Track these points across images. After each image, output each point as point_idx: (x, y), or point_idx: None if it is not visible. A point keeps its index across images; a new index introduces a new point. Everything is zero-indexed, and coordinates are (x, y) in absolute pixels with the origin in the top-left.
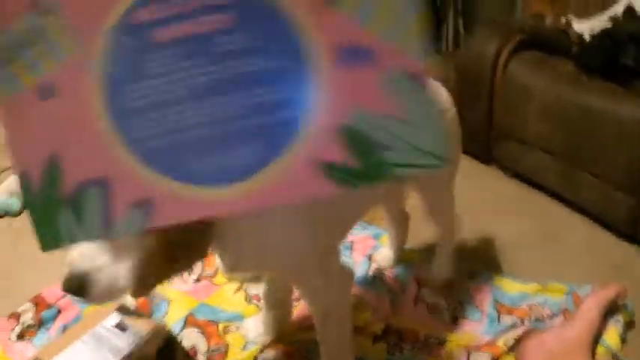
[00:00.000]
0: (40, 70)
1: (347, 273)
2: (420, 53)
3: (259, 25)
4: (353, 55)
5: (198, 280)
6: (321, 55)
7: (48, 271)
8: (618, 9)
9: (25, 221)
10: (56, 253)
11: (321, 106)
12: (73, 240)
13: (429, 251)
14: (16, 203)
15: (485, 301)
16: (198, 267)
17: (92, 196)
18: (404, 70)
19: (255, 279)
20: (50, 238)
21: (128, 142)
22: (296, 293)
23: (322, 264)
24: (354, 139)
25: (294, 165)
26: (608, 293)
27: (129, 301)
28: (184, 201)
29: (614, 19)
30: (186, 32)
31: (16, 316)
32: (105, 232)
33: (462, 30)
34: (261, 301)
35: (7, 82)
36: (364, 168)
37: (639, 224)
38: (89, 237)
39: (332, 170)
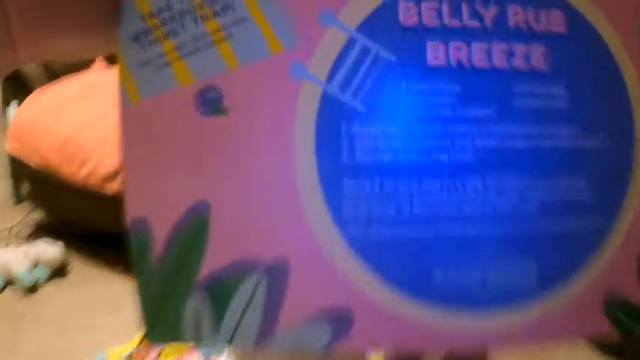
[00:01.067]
0: (209, 62)
1: None
2: None
3: (587, 76)
4: None
5: None
6: None
7: None
8: None
9: (31, 303)
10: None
11: (630, 220)
12: (198, 341)
13: None
14: (26, 277)
15: None
16: None
17: (251, 286)
18: None
19: None
20: (164, 328)
21: (336, 217)
22: None
23: None
24: None
25: (579, 294)
26: None
27: None
28: (405, 324)
29: None
30: (475, 60)
31: None
32: (257, 342)
33: None
34: None
35: (152, 68)
36: None
37: (626, 341)
38: (226, 343)
39: (614, 306)
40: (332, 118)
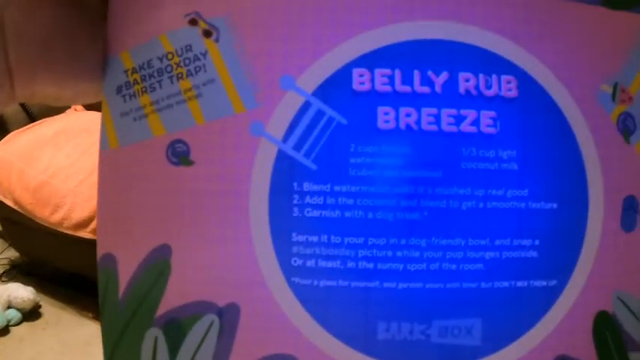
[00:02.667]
0: (179, 117)
1: None
2: None
3: (538, 141)
4: (637, 215)
5: None
6: (605, 208)
7: None
8: None
9: (3, 344)
10: None
11: (583, 282)
12: None
13: None
14: None
15: None
16: None
17: (204, 328)
18: None
19: None
20: None
21: (286, 268)
22: None
23: None
24: (607, 331)
25: (527, 355)
26: None
27: None
28: None
29: None
30: (423, 125)
31: None
32: None
33: None
34: None
35: (131, 119)
36: None
37: None
38: None
39: None
40: (285, 175)
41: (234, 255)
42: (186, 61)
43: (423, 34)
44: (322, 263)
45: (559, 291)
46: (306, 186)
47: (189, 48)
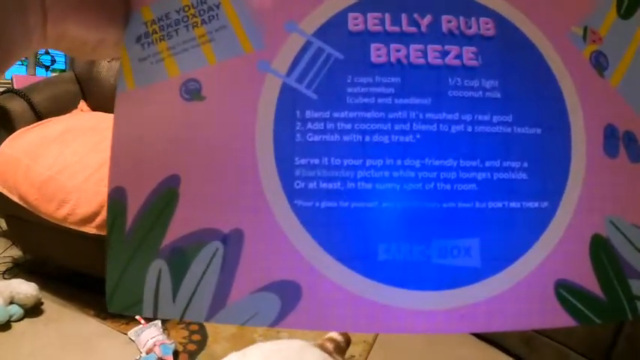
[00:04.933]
0: (193, 59)
1: None
2: None
3: (518, 73)
4: (619, 142)
5: None
6: (587, 135)
7: None
8: None
9: (5, 338)
10: None
11: (574, 205)
12: (155, 312)
13: None
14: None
15: None
16: None
17: (208, 256)
18: None
19: None
20: (123, 295)
21: (289, 191)
22: None
23: None
24: (604, 256)
25: (525, 280)
26: None
27: None
28: (350, 298)
29: None
30: (412, 59)
31: None
32: (209, 315)
33: None
34: None
35: (148, 63)
36: (608, 299)
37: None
38: (181, 314)
39: (569, 295)
40: (289, 105)
41: (240, 181)
42: (201, 12)
43: None
44: (323, 185)
45: (552, 213)
46: (308, 114)
47: (204, 1)
